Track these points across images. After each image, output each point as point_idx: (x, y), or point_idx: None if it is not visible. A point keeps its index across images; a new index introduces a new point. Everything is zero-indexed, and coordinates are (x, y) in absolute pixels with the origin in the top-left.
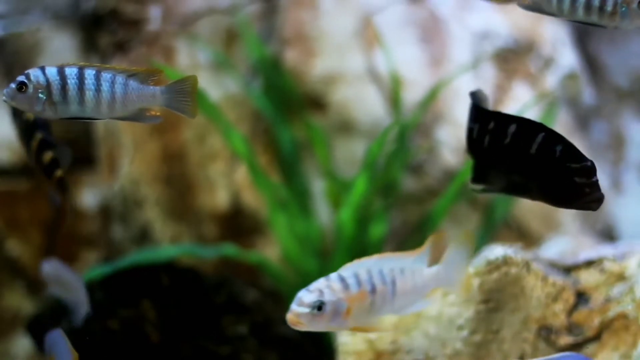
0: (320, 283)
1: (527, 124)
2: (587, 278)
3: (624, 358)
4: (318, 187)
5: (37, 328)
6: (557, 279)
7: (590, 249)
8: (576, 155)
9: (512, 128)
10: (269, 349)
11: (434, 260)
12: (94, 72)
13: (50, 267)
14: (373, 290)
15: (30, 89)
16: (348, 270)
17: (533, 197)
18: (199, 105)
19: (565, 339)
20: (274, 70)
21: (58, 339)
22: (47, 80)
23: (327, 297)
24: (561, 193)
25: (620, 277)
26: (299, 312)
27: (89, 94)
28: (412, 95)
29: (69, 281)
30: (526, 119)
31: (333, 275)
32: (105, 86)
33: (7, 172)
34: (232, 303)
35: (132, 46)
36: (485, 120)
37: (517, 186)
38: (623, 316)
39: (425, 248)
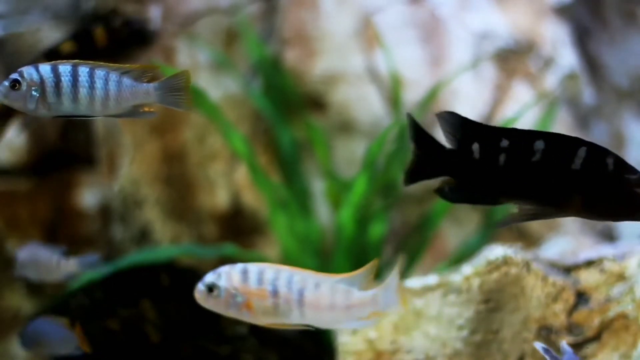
0: (224, 268)
1: (561, 139)
2: (587, 278)
3: (624, 358)
4: (318, 187)
5: None
6: (557, 279)
7: (590, 249)
8: (628, 166)
9: (540, 144)
10: (269, 349)
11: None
12: (87, 69)
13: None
14: (275, 292)
15: (24, 86)
16: (256, 266)
17: (569, 214)
18: (199, 105)
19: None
20: (274, 70)
21: (45, 325)
22: (41, 78)
23: (222, 282)
24: (621, 206)
25: (620, 277)
26: (198, 288)
27: (83, 91)
28: (412, 95)
29: (48, 263)
30: (556, 134)
31: (239, 265)
32: (99, 83)
33: (7, 172)
34: None
35: None
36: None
37: (552, 205)
38: (623, 316)
39: (361, 272)
